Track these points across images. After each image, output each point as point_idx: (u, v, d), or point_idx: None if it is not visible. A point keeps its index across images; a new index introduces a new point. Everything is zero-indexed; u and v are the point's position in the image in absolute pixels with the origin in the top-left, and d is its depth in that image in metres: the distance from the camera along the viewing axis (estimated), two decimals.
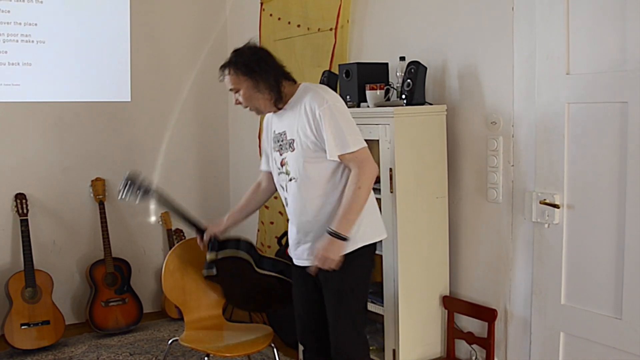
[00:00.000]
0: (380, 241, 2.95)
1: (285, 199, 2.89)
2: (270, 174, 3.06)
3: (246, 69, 2.77)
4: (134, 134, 4.98)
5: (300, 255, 2.90)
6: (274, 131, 2.90)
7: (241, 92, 2.80)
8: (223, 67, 2.84)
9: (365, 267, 2.85)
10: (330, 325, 2.85)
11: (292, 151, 2.78)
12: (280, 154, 2.85)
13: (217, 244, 3.16)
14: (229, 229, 3.22)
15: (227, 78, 2.82)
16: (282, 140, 2.84)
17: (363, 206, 2.70)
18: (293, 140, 2.77)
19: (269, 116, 2.97)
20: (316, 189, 2.76)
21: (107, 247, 4.63)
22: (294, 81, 2.86)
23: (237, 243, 3.20)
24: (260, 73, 2.76)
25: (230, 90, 2.84)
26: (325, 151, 2.70)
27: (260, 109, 2.85)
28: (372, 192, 2.79)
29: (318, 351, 3.01)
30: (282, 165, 2.85)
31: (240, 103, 2.84)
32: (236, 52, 2.84)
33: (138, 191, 3.13)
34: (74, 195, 4.75)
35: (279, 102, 2.80)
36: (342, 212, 2.67)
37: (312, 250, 2.80)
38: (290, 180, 2.81)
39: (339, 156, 2.69)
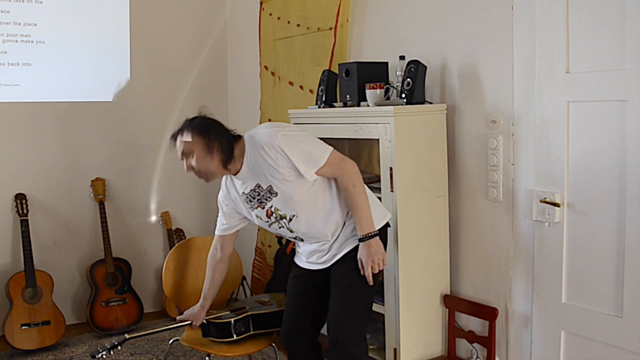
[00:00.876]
0: (388, 224, 2.96)
1: (296, 238, 2.90)
2: (225, 237, 3.10)
3: (200, 130, 2.77)
4: (134, 133, 4.98)
5: (314, 261, 2.93)
6: (242, 192, 2.88)
7: (194, 154, 2.76)
8: (176, 133, 2.83)
9: None
10: (331, 318, 2.84)
11: (275, 196, 2.78)
12: (263, 207, 2.84)
13: (210, 329, 3.17)
14: (209, 310, 3.21)
15: (179, 144, 2.80)
16: (259, 194, 2.82)
17: (367, 197, 2.78)
18: (271, 186, 2.77)
19: (228, 182, 2.96)
20: (319, 209, 2.79)
21: (108, 247, 4.63)
22: (239, 136, 2.83)
23: (228, 331, 3.15)
24: (214, 135, 2.77)
25: (182, 155, 2.80)
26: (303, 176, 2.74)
27: (211, 171, 2.80)
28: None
29: (302, 356, 3.02)
30: (268, 216, 2.85)
31: (192, 168, 2.80)
32: (189, 119, 2.86)
33: (115, 348, 3.05)
34: (74, 195, 4.75)
35: (229, 162, 2.78)
36: (357, 216, 2.75)
37: (326, 258, 2.87)
38: (291, 220, 2.81)
39: (316, 173, 2.74)
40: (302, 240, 2.89)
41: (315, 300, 2.95)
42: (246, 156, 2.78)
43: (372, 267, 2.76)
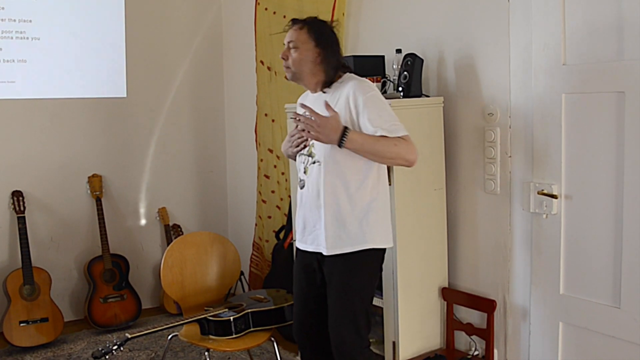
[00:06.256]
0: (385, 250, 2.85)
1: (302, 180, 2.82)
2: None
3: (320, 36, 2.72)
4: (130, 129, 4.97)
5: (307, 241, 2.84)
6: (304, 112, 2.81)
7: (298, 51, 2.71)
8: (296, 20, 2.76)
9: (372, 269, 2.80)
10: (331, 324, 2.79)
11: None
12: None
13: (208, 327, 3.17)
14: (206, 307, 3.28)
15: (293, 31, 2.73)
16: None
17: (377, 153, 2.60)
18: None
19: (304, 97, 2.93)
20: (339, 178, 2.70)
21: (105, 244, 4.63)
22: (345, 68, 2.81)
23: (228, 329, 3.17)
24: (329, 50, 2.72)
25: (288, 43, 2.74)
26: None
27: (300, 77, 2.77)
28: (388, 204, 2.80)
29: (312, 350, 2.98)
30: (305, 145, 2.80)
31: (286, 58, 2.75)
32: (316, 18, 2.78)
33: (117, 348, 3.01)
34: (71, 192, 4.74)
35: (324, 86, 2.74)
36: (368, 134, 2.60)
37: (318, 239, 2.76)
38: (314, 163, 2.75)
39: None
40: (302, 187, 2.82)
41: (319, 300, 2.87)
42: (333, 86, 2.73)
43: (311, 123, 2.62)
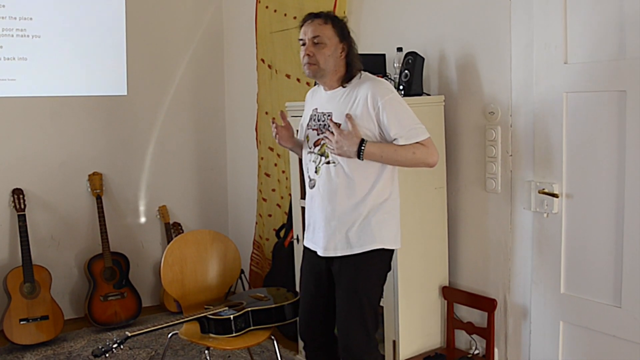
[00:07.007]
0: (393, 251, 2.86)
1: (313, 180, 2.79)
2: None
3: (342, 31, 2.70)
4: (130, 127, 4.97)
5: (316, 242, 2.82)
6: (316, 109, 2.81)
7: (326, 47, 2.67)
8: (316, 15, 2.71)
9: (381, 269, 2.79)
10: (339, 324, 2.79)
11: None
12: (318, 134, 2.77)
13: (209, 325, 3.16)
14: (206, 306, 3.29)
15: (318, 26, 2.68)
16: (324, 121, 2.74)
17: (397, 162, 2.67)
18: (339, 125, 2.67)
19: (313, 92, 2.92)
20: (352, 179, 2.69)
21: (105, 242, 4.63)
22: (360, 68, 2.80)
23: (229, 327, 3.16)
24: (352, 46, 2.72)
25: (312, 39, 2.68)
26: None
27: (324, 75, 2.72)
28: (398, 203, 2.81)
29: (318, 348, 2.97)
30: (315, 145, 2.78)
31: (311, 55, 2.68)
32: (332, 12, 2.77)
33: (117, 346, 3.00)
34: (71, 189, 4.74)
35: (344, 81, 2.73)
36: (386, 144, 2.63)
37: (328, 240, 2.75)
38: (328, 163, 2.72)
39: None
40: (312, 187, 2.80)
41: (327, 299, 2.86)
42: (349, 84, 2.72)
43: (329, 136, 2.66)
